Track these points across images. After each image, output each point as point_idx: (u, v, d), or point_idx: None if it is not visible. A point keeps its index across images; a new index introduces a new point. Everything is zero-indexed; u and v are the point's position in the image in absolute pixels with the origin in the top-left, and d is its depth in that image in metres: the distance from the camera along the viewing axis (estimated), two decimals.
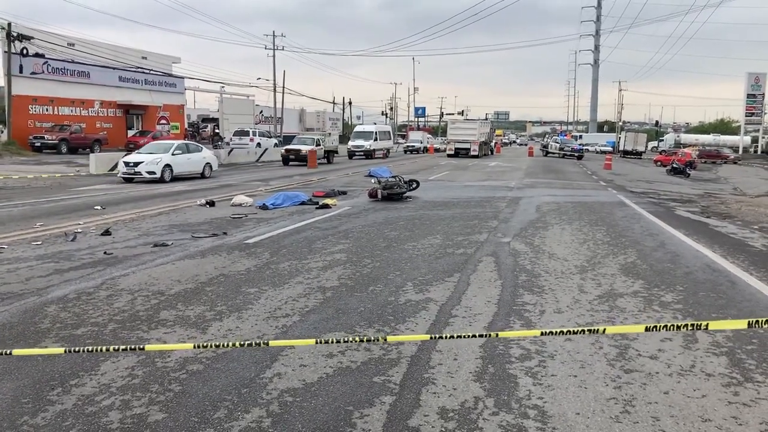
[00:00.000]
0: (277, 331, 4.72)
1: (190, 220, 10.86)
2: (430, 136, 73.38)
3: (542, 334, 2.65)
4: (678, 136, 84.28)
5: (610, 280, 6.62)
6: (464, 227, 10.50)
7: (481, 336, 3.95)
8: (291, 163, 31.14)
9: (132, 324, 4.85)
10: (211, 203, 13.15)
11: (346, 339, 2.77)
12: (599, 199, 16.37)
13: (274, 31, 56.40)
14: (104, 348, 2.64)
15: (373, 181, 15.96)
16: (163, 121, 43.25)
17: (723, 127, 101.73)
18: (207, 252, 7.93)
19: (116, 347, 2.59)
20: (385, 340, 2.92)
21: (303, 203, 13.48)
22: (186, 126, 45.12)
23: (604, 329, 2.79)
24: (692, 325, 2.52)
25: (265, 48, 57.30)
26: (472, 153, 44.01)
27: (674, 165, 34.40)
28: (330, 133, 41.41)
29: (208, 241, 8.80)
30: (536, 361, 4.15)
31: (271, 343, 2.84)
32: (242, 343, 2.67)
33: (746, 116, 69.13)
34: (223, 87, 56.04)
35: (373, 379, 3.79)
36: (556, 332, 2.59)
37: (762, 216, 13.44)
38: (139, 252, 7.88)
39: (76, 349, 2.43)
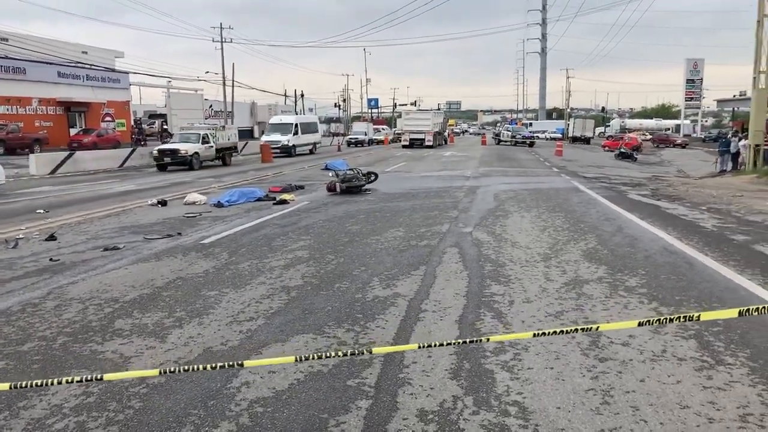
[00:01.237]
0: (241, 336, 4.50)
1: (142, 221, 10.40)
2: (386, 127, 72.74)
3: (535, 335, 2.56)
4: (623, 122, 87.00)
5: (574, 267, 6.65)
6: (425, 218, 10.43)
7: (471, 341, 3.83)
8: (172, 168, 23.88)
9: (84, 336, 4.53)
10: (163, 202, 12.65)
11: (328, 354, 2.60)
12: (554, 185, 16.62)
13: (221, 24, 55.20)
14: (54, 381, 2.38)
15: (330, 174, 15.74)
16: (107, 119, 41.67)
17: (664, 111, 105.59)
18: (162, 254, 7.58)
19: (69, 379, 2.33)
20: (371, 352, 2.76)
21: (259, 199, 13.14)
22: (132, 123, 43.57)
23: (598, 326, 2.72)
24: (684, 317, 2.46)
25: (213, 41, 55.78)
26: (427, 143, 44.14)
27: (622, 150, 35.42)
28: (225, 126, 31.96)
29: (162, 242, 8.42)
30: (511, 354, 4.08)
31: (246, 363, 2.64)
32: (213, 366, 2.46)
33: (686, 101, 71.90)
34: (169, 81, 54.33)
35: (347, 383, 3.64)
36: (549, 333, 2.50)
37: (708, 197, 13.91)
38: (88, 257, 7.46)
39: (23, 384, 2.17)
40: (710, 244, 7.98)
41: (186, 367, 2.21)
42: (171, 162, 23.98)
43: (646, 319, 2.46)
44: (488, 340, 3.04)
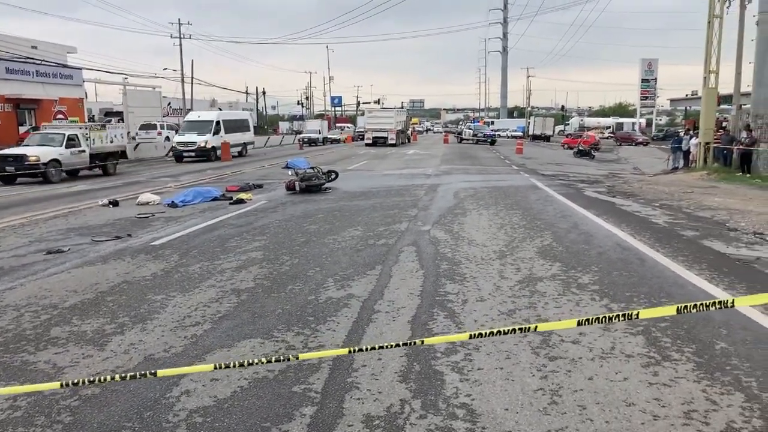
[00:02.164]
0: (186, 342, 4.33)
1: (91, 223, 10.02)
2: (350, 125, 72.22)
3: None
4: (582, 120, 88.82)
5: (528, 264, 6.67)
6: (385, 217, 10.36)
7: (403, 345, 3.75)
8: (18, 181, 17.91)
9: (16, 346, 4.29)
10: (115, 203, 12.24)
11: (250, 362, 2.48)
12: (513, 183, 16.78)
13: (179, 19, 53.83)
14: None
15: (290, 173, 15.52)
16: (60, 116, 40.25)
17: (621, 110, 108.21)
18: (109, 257, 7.29)
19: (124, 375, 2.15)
20: (297, 358, 2.65)
21: (216, 199, 12.84)
22: (86, 121, 42.19)
23: (536, 327, 2.67)
24: (624, 315, 2.44)
25: (171, 37, 54.57)
26: (390, 142, 44.11)
27: (580, 147, 36.10)
28: (106, 125, 25.36)
29: (110, 244, 8.11)
30: (462, 354, 4.03)
31: (160, 373, 2.50)
32: (123, 375, 2.32)
33: (641, 100, 73.85)
34: (126, 78, 52.83)
35: (293, 389, 3.52)
36: (486, 334, 2.45)
37: (661, 194, 14.25)
38: (29, 261, 7.12)
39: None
40: (661, 240, 8.14)
41: (103, 377, 2.05)
42: (15, 173, 17.74)
43: (584, 318, 2.42)
44: (422, 342, 2.94)
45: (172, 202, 12.08)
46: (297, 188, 14.26)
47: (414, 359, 3.95)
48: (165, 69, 57.30)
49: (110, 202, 12.20)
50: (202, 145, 27.89)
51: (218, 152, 28.42)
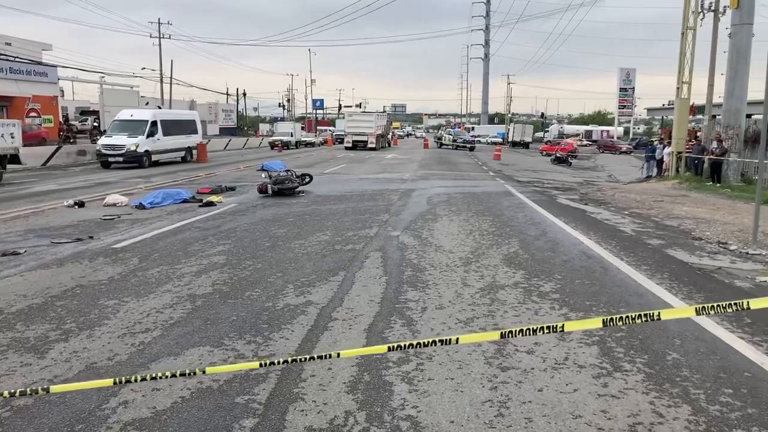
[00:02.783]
0: (132, 350, 4.20)
1: (53, 224, 9.78)
2: (331, 128, 71.86)
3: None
4: (561, 127, 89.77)
5: (492, 272, 6.64)
6: (355, 222, 10.28)
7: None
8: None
9: None
10: (81, 204, 11.97)
11: (163, 375, 2.38)
12: (487, 189, 16.83)
13: (159, 19, 53.24)
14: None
15: (263, 175, 15.36)
16: (33, 114, 39.50)
17: (600, 118, 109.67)
18: (66, 260, 7.10)
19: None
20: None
21: (186, 201, 12.64)
22: (60, 119, 41.51)
23: (455, 338, 2.62)
24: (549, 327, 2.40)
25: (150, 36, 53.96)
26: (370, 145, 44.13)
27: (557, 154, 36.48)
28: None
29: (69, 247, 7.91)
30: (414, 364, 3.97)
31: (53, 388, 2.39)
32: (10, 392, 2.22)
33: (619, 108, 75.01)
34: (103, 77, 52.18)
35: (236, 400, 3.42)
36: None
37: (632, 202, 14.40)
38: None
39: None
40: (626, 248, 8.18)
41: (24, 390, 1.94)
42: None
43: (517, 329, 2.38)
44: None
45: (140, 203, 11.86)
46: (269, 191, 14.11)
47: (365, 369, 3.88)
48: (143, 68, 56.55)
49: (76, 203, 11.93)
50: (132, 149, 23.25)
51: (152, 157, 24.41)
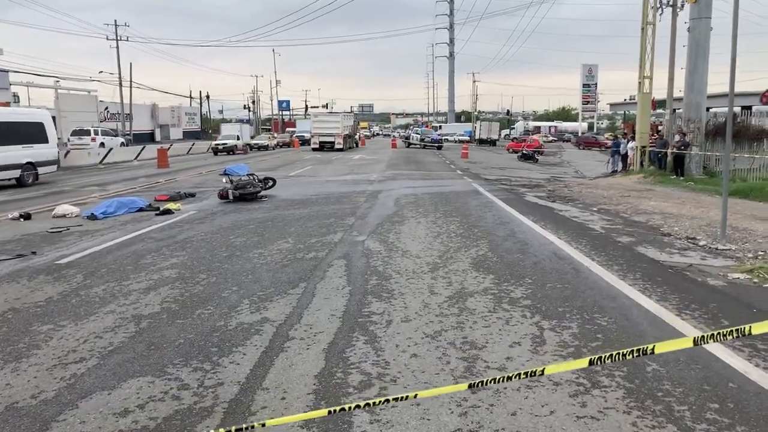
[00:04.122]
0: (60, 385, 3.74)
1: None
2: (291, 129, 70.67)
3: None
4: (527, 124, 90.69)
5: (461, 278, 6.34)
6: (319, 227, 9.89)
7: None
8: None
9: None
10: (27, 216, 11.28)
11: None
12: (455, 188, 16.61)
13: (116, 20, 51.65)
14: None
15: (224, 180, 14.81)
16: None
17: (564, 114, 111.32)
18: (1, 280, 6.54)
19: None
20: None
21: (141, 209, 12.06)
22: None
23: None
24: (529, 373, 2.08)
25: (107, 38, 52.38)
26: (337, 146, 43.68)
27: (524, 151, 36.61)
28: None
29: (7, 264, 7.33)
30: (377, 389, 3.63)
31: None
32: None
33: (583, 104, 76.09)
34: (57, 81, 50.41)
35: None
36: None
37: (600, 198, 14.34)
38: None
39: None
40: (597, 247, 8.00)
41: None
42: None
43: (479, 381, 2.05)
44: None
45: (92, 214, 11.24)
46: (230, 197, 13.61)
47: (322, 396, 3.52)
48: (101, 72, 54.45)
49: (21, 215, 11.23)
50: None
51: None
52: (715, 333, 1.94)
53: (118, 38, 51.52)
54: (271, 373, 3.89)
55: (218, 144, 42.10)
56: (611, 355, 2.04)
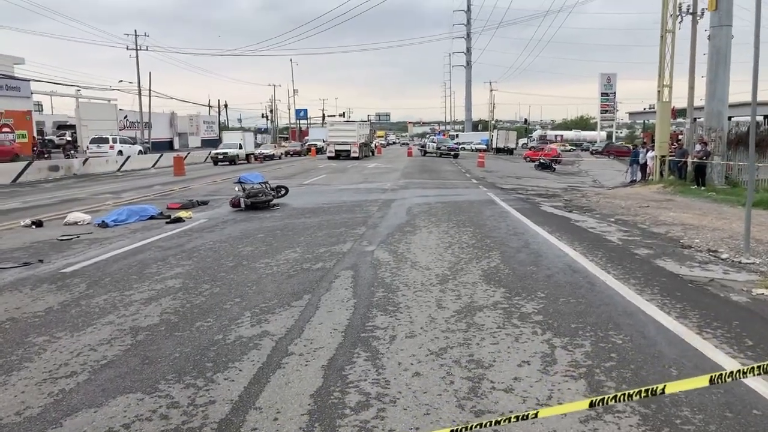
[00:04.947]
0: (47, 401, 3.61)
1: (3, 246, 9.11)
2: (305, 140, 70.52)
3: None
4: (545, 133, 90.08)
5: (470, 291, 6.13)
6: (329, 236, 9.73)
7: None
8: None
9: None
10: (39, 223, 11.29)
11: None
12: (469, 198, 16.37)
13: (135, 30, 52.40)
14: None
15: (236, 188, 14.76)
16: (6, 129, 38.60)
17: (583, 123, 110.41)
18: (5, 288, 6.47)
19: None
20: None
21: (152, 217, 12.02)
22: (34, 134, 40.57)
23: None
24: (517, 417, 1.88)
25: (127, 48, 53.15)
26: (353, 155, 43.65)
27: (541, 160, 36.26)
28: None
29: (13, 272, 7.28)
30: (374, 410, 3.43)
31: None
32: None
33: (601, 113, 75.43)
34: (78, 90, 51.23)
35: None
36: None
37: (617, 208, 14.01)
38: None
39: None
40: (613, 260, 7.72)
41: None
42: None
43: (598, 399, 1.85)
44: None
45: (103, 221, 11.22)
46: (242, 205, 13.54)
47: (317, 418, 3.34)
48: (121, 81, 55.21)
49: (33, 223, 11.25)
50: None
51: None
52: (735, 371, 1.72)
53: (138, 48, 52.27)
54: (265, 391, 3.71)
55: (218, 153, 38.03)
56: (615, 396, 1.85)
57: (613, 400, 1.90)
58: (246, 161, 39.40)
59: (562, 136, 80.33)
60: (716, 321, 5.09)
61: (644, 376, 3.88)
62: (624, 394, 1.89)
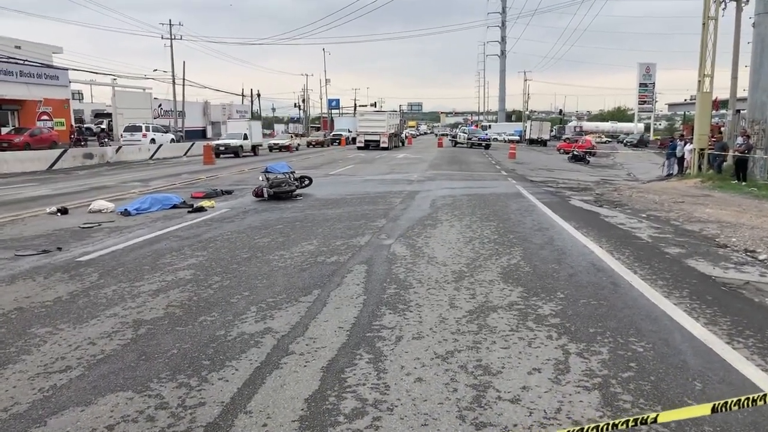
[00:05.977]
0: (36, 397, 3.52)
1: (26, 233, 9.22)
2: (325, 131, 70.40)
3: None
4: (580, 125, 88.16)
5: (486, 289, 5.87)
6: (348, 228, 9.56)
7: None
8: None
9: None
10: (64, 211, 11.43)
11: None
12: (496, 190, 15.99)
13: (170, 20, 52.97)
14: None
15: (260, 178, 14.72)
16: (44, 117, 39.53)
17: (620, 114, 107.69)
18: (19, 276, 6.49)
19: None
20: None
21: (175, 206, 12.05)
22: (72, 122, 41.49)
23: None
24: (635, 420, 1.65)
25: (162, 38, 53.79)
26: (382, 145, 43.42)
27: (575, 152, 35.41)
28: None
29: (31, 260, 7.32)
30: (370, 418, 3.24)
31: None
32: None
33: (639, 104, 73.33)
34: (114, 79, 52.17)
35: None
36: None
37: (650, 203, 13.47)
38: None
39: None
40: (641, 258, 7.34)
41: None
42: None
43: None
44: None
45: (125, 210, 11.29)
46: (265, 195, 13.49)
47: (309, 425, 3.16)
48: (155, 70, 56.04)
49: (59, 210, 11.39)
50: None
51: None
52: (742, 399, 1.46)
53: (173, 37, 52.84)
54: (258, 394, 3.56)
55: (219, 145, 33.56)
56: (597, 426, 1.58)
57: (606, 429, 1.65)
58: (252, 153, 36.03)
59: (581, 127, 78.34)
60: (749, 329, 4.73)
61: (664, 389, 3.59)
62: (607, 425, 1.63)
